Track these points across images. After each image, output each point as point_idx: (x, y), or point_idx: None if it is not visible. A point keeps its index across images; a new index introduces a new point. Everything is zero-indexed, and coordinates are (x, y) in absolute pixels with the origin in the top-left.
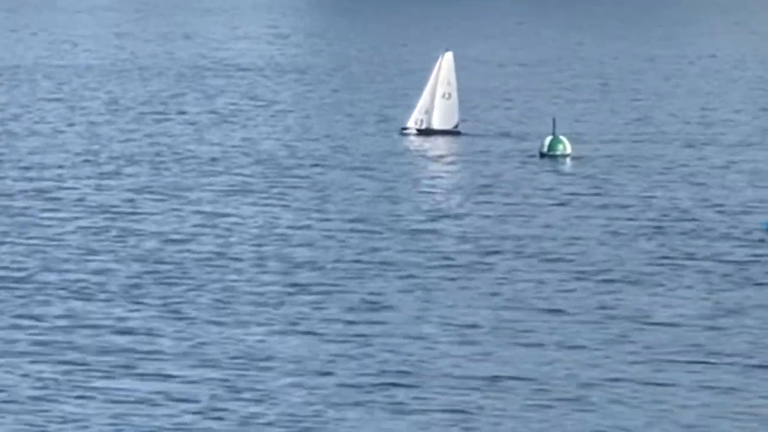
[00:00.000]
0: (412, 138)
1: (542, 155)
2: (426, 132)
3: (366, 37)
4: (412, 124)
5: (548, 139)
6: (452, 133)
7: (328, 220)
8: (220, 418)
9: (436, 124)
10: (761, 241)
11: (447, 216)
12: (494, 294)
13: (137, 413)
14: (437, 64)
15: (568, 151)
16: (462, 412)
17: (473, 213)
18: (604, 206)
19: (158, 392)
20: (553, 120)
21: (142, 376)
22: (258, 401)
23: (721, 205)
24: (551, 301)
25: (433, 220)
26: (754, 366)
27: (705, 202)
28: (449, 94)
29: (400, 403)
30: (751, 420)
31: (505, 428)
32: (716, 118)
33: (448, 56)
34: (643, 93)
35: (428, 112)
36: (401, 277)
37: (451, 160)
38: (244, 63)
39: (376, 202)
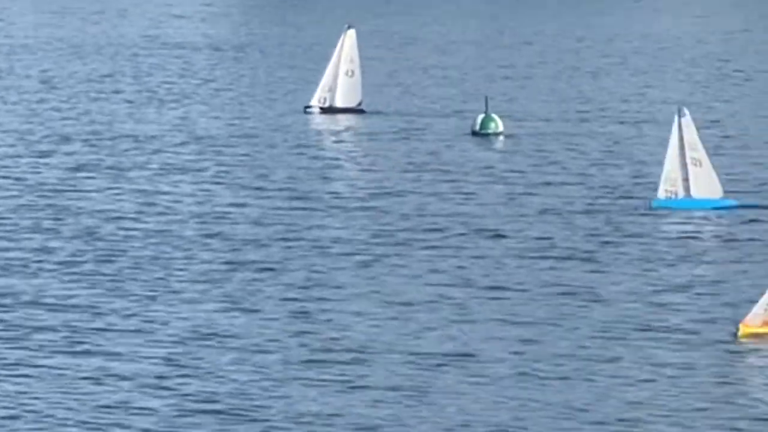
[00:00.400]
0: (318, 116)
1: (474, 133)
2: (329, 110)
3: (304, 14)
4: (315, 102)
5: (480, 117)
6: (355, 111)
7: (267, 197)
8: (164, 396)
9: (339, 102)
10: (704, 218)
11: (386, 193)
12: (438, 271)
13: (80, 391)
14: (340, 41)
15: (501, 129)
16: (410, 389)
17: (411, 191)
18: (542, 184)
19: (101, 369)
20: (486, 98)
21: (85, 354)
22: (203, 378)
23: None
24: (495, 278)
25: (373, 197)
26: (697, 342)
27: (642, 179)
28: (352, 72)
29: (348, 381)
30: (696, 396)
31: (453, 405)
32: (653, 96)
33: (351, 33)
34: (578, 71)
35: (331, 90)
36: (344, 255)
37: (384, 139)
38: (179, 41)
39: (314, 180)
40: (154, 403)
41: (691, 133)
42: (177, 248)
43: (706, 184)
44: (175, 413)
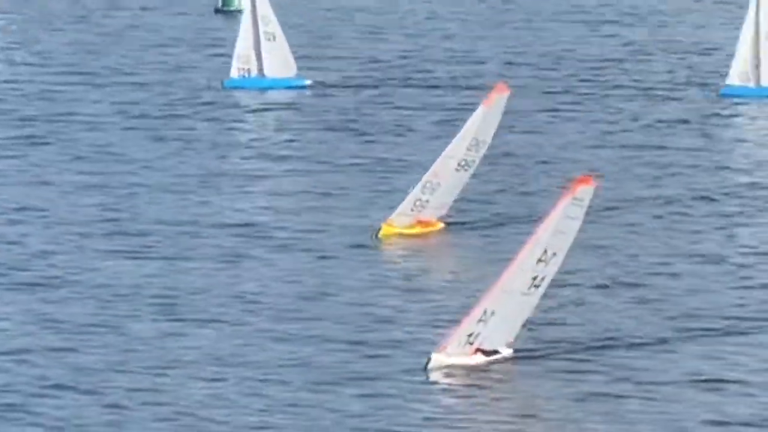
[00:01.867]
0: None
1: (217, 11)
2: None
3: None
4: None
5: None
6: None
7: (45, 74)
8: None
9: None
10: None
11: (146, 68)
12: (221, 144)
13: None
14: None
15: (243, 6)
16: (209, 258)
17: (171, 66)
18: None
19: None
20: None
21: None
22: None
23: (435, 77)
24: (288, 151)
25: (135, 73)
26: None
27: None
28: None
29: (141, 251)
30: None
31: (252, 274)
32: None
33: None
34: None
35: None
36: (125, 129)
37: (126, 16)
38: None
39: (82, 55)
40: None
41: (264, 6)
42: None
43: (280, 62)
44: None
